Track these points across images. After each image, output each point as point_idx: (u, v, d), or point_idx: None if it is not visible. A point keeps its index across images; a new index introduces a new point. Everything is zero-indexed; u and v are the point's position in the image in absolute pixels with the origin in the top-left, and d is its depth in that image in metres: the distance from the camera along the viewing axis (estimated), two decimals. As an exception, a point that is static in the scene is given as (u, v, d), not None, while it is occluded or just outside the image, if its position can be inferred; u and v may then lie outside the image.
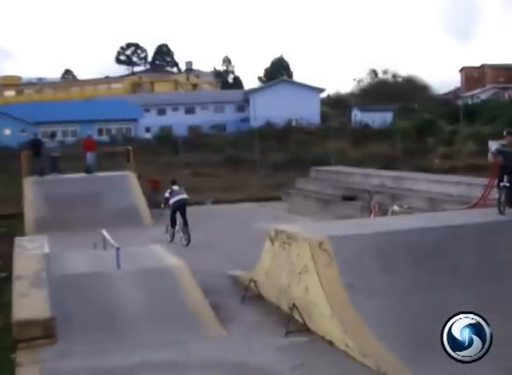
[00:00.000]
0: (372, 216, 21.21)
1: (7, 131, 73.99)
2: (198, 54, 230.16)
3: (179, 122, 77.68)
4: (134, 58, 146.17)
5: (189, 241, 20.21)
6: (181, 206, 20.67)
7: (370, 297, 10.48)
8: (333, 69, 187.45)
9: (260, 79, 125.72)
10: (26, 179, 27.24)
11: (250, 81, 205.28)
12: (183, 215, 20.68)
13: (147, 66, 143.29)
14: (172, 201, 20.60)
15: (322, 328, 10.47)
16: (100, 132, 74.69)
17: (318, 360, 9.60)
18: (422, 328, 9.38)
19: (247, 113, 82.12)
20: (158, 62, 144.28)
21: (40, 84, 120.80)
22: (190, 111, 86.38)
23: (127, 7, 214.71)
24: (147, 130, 75.74)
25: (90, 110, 78.04)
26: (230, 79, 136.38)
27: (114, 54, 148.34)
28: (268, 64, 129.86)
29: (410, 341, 9.34)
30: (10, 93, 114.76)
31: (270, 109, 71.48)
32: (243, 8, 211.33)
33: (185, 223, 20.61)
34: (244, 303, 12.69)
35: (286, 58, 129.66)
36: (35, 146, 29.00)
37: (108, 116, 76.87)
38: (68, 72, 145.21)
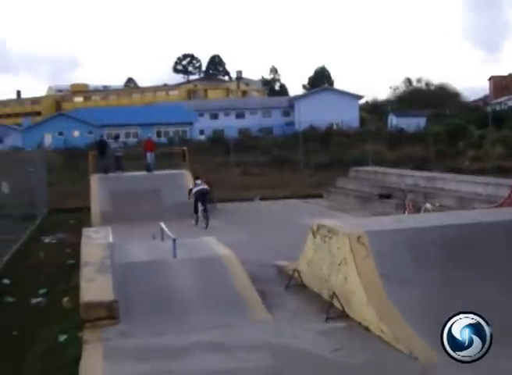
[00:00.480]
0: (406, 213, 21.03)
1: (76, 133, 75.33)
2: (248, 64, 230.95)
3: (230, 125, 78.18)
4: (190, 68, 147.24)
5: (207, 225, 22.03)
6: (202, 195, 22.85)
7: (403, 287, 10.40)
8: (371, 78, 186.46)
9: (304, 87, 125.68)
10: (93, 176, 27.59)
11: (295, 89, 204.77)
12: (204, 203, 22.79)
13: (202, 75, 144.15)
14: (194, 190, 23.01)
15: (359, 315, 10.42)
16: (159, 134, 75.41)
17: (355, 344, 9.55)
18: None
19: (291, 118, 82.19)
20: (211, 72, 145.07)
21: (105, 91, 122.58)
22: (240, 115, 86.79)
23: (184, 21, 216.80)
24: (201, 132, 76.25)
25: (150, 114, 78.96)
26: (277, 86, 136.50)
27: (171, 64, 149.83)
28: (311, 73, 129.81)
29: (440, 329, 9.23)
30: (79, 99, 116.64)
31: (313, 114, 71.45)
32: (288, 22, 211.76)
33: (205, 210, 22.69)
34: (288, 291, 12.67)
35: (328, 68, 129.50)
36: (101, 146, 29.45)
37: (166, 119, 77.70)
38: (130, 80, 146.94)
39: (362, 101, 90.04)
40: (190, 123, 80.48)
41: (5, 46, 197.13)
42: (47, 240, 21.36)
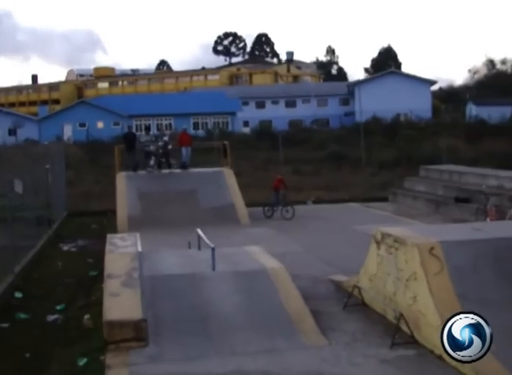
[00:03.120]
0: (488, 219, 20.79)
1: (100, 124, 76.09)
2: (300, 44, 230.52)
3: (278, 116, 78.21)
4: (232, 49, 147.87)
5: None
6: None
7: (485, 308, 10.20)
8: (446, 60, 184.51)
9: (366, 70, 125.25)
10: (119, 174, 27.72)
11: (356, 73, 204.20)
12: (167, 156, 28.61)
13: (246, 57, 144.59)
14: (169, 147, 28.48)
15: (431, 341, 10.27)
16: (195, 126, 75.72)
17: (427, 376, 9.45)
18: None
19: (351, 107, 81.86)
20: (257, 53, 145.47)
21: (134, 76, 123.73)
22: (290, 104, 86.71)
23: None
24: (246, 124, 76.38)
25: (186, 103, 79.26)
26: (334, 70, 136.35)
27: (211, 44, 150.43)
28: (375, 54, 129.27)
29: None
30: (104, 85, 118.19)
31: (377, 103, 71.03)
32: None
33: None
34: (346, 311, 12.60)
35: (395, 48, 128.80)
36: (129, 140, 29.61)
37: (204, 109, 77.86)
38: (163, 63, 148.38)
39: (435, 87, 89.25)
40: (233, 113, 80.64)
41: (12, 21, 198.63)
42: (65, 247, 21.62)
